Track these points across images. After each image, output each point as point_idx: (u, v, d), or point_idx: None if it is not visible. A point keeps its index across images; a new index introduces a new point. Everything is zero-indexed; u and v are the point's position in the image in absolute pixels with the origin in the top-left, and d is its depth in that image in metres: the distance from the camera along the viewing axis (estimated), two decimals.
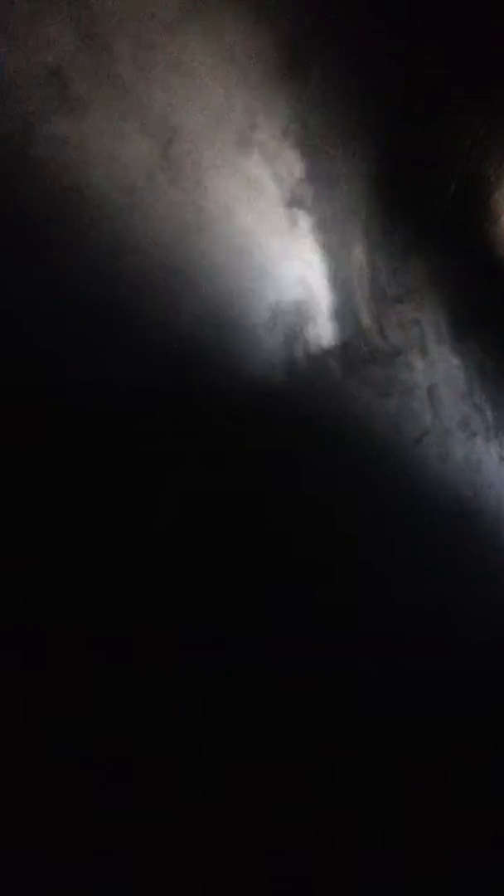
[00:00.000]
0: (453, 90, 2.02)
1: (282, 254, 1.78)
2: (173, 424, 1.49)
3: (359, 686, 1.92)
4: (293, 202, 1.81)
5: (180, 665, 1.48)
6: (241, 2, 1.57)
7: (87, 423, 1.32)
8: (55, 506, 1.29)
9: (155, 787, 1.42)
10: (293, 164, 1.80)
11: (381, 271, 2.12)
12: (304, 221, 1.86)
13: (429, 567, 2.33)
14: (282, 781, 1.66)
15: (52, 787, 1.29)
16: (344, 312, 2.01)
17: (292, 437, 1.83)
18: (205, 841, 1.48)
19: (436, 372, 2.39)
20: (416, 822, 2.01)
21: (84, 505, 1.33)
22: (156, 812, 1.41)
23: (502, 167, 2.26)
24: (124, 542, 1.40)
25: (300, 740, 1.73)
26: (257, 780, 1.61)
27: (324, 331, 1.92)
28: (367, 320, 2.10)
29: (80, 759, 1.32)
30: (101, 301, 1.34)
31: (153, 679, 1.43)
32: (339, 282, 1.98)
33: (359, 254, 2.05)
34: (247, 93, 1.63)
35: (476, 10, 1.87)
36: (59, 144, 1.26)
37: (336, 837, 1.77)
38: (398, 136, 1.98)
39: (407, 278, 2.23)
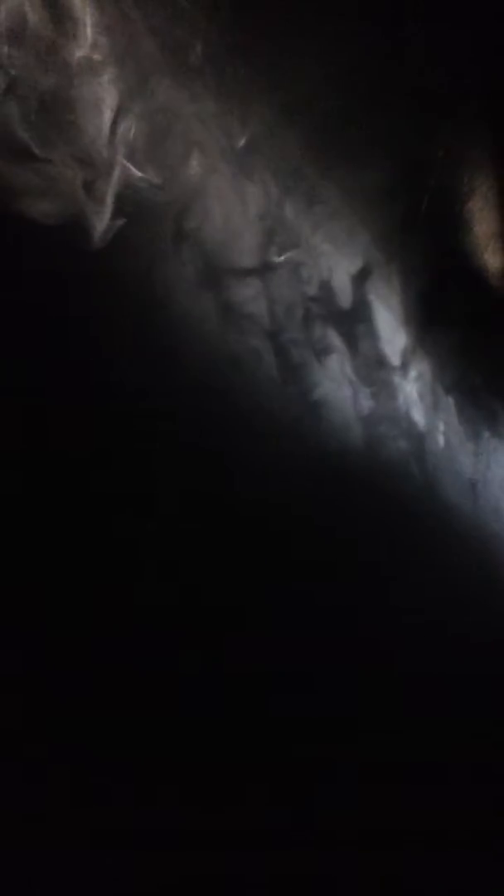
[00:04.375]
0: (426, 100, 2.03)
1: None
2: (173, 424, 1.50)
3: (358, 686, 1.92)
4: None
5: (180, 664, 1.48)
6: None
7: (87, 423, 1.33)
8: (55, 506, 1.30)
9: (155, 787, 1.42)
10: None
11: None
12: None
13: (429, 568, 2.34)
14: (281, 781, 1.66)
15: (52, 787, 1.29)
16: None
17: (292, 438, 1.84)
18: (205, 841, 1.48)
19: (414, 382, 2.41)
20: (416, 822, 2.01)
21: (84, 505, 1.33)
22: (156, 812, 1.41)
23: (475, 177, 2.27)
24: (124, 542, 1.40)
25: (300, 741, 1.73)
26: (256, 781, 1.61)
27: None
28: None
29: (81, 760, 1.33)
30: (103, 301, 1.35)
31: (153, 679, 1.43)
32: None
33: None
34: None
35: (450, 22, 1.89)
36: None
37: (335, 837, 1.77)
38: (372, 144, 1.98)
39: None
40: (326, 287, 2.01)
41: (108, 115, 1.31)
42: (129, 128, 1.36)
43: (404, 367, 2.38)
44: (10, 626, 1.24)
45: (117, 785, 1.37)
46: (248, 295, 1.72)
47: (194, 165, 1.53)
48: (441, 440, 2.55)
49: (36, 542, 1.28)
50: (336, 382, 2.04)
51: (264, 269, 1.78)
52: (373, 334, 2.22)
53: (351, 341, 2.12)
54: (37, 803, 1.27)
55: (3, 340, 1.18)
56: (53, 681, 1.30)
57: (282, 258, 1.84)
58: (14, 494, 1.24)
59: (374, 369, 2.22)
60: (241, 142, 1.65)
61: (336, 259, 2.05)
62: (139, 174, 1.39)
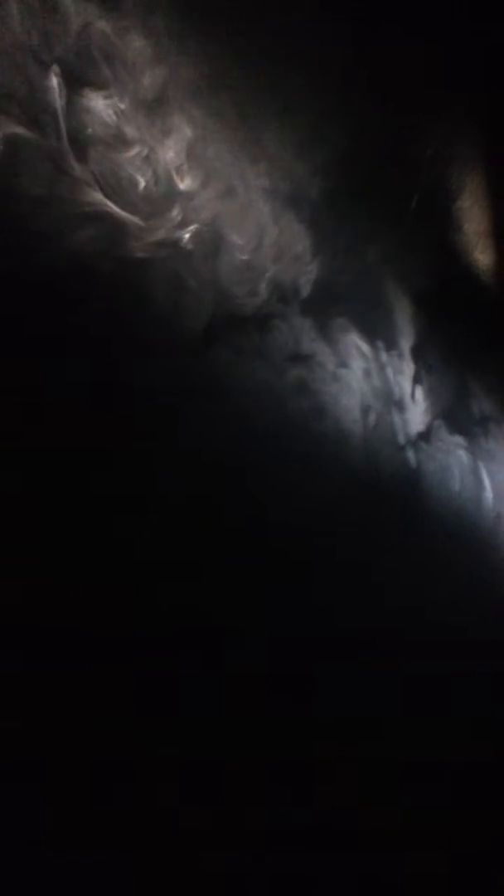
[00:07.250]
0: (414, 100, 2.04)
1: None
2: (173, 424, 1.50)
3: (358, 686, 1.92)
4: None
5: (179, 664, 1.49)
6: None
7: (87, 423, 1.33)
8: (55, 506, 1.30)
9: (155, 787, 1.42)
10: None
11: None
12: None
13: (429, 569, 2.34)
14: (280, 781, 1.66)
15: (52, 787, 1.29)
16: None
17: (292, 439, 1.84)
18: (205, 841, 1.48)
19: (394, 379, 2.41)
20: (416, 822, 2.01)
21: (84, 505, 1.33)
22: (156, 812, 1.41)
23: (463, 176, 2.28)
24: (124, 542, 1.41)
25: (300, 741, 1.73)
26: (255, 781, 1.61)
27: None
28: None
29: (81, 759, 1.32)
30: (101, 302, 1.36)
31: (153, 678, 1.43)
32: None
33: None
34: None
35: (436, 25, 1.91)
36: None
37: (336, 837, 1.77)
38: (362, 144, 1.99)
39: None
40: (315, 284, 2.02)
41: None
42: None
43: (404, 368, 2.40)
44: (10, 626, 1.24)
45: (117, 785, 1.37)
46: (255, 302, 1.75)
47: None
48: (440, 443, 2.57)
49: (36, 541, 1.28)
50: (338, 385, 2.05)
51: (269, 278, 1.82)
52: (372, 337, 2.24)
53: (352, 342, 2.14)
54: (37, 803, 1.26)
55: (4, 341, 1.19)
56: (53, 680, 1.30)
57: (279, 265, 1.86)
58: (14, 493, 1.25)
59: (375, 372, 2.24)
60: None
61: (329, 258, 2.06)
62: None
